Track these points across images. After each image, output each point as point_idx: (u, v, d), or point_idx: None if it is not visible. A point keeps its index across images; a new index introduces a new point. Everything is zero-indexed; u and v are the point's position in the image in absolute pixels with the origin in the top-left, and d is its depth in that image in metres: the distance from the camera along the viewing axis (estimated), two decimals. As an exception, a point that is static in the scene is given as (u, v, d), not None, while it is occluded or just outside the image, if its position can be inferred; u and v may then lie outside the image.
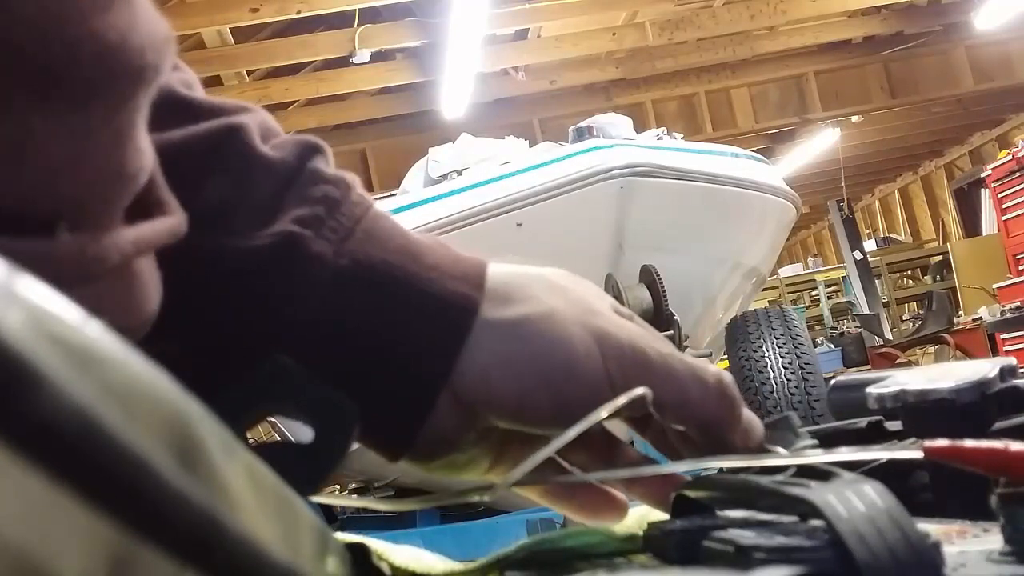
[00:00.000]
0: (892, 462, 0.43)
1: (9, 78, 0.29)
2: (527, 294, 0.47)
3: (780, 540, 0.31)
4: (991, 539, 0.35)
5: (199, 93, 0.49)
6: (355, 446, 0.43)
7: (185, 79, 0.49)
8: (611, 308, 0.48)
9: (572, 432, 0.43)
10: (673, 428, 0.48)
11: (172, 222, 0.38)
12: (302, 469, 0.40)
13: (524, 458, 0.48)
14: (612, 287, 3.09)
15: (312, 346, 0.44)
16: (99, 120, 0.32)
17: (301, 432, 0.43)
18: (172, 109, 0.46)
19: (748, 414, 0.47)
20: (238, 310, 0.44)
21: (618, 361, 0.45)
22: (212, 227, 0.43)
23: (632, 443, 0.53)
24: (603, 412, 0.43)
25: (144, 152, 0.36)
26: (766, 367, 3.81)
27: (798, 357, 3.84)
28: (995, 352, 7.18)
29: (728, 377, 0.47)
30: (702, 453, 0.47)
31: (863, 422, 0.51)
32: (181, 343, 0.42)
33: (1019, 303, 6.61)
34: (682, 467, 0.45)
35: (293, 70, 7.42)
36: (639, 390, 0.44)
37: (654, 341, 0.47)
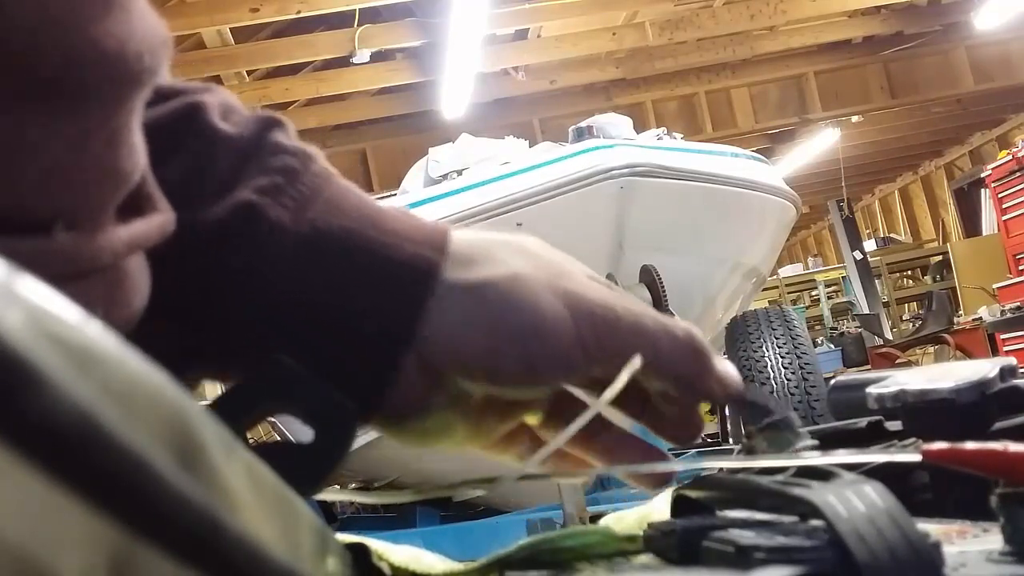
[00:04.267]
0: (892, 462, 0.43)
1: (7, 82, 0.29)
2: (493, 257, 0.47)
3: (780, 540, 0.31)
4: (991, 539, 0.35)
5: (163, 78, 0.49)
6: (355, 446, 0.43)
7: None
8: (583, 273, 0.49)
9: (574, 427, 0.43)
10: (655, 392, 0.48)
11: (162, 219, 0.39)
12: (302, 469, 0.40)
13: (501, 429, 0.50)
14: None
15: (276, 314, 0.45)
16: (96, 123, 0.32)
17: (301, 432, 0.43)
18: None
19: (723, 363, 0.48)
20: (202, 283, 0.44)
21: (588, 320, 0.46)
22: (175, 204, 0.42)
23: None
24: (608, 395, 0.44)
25: (138, 151, 0.36)
26: (766, 367, 3.81)
27: (798, 357, 3.84)
28: (995, 352, 7.18)
29: (696, 330, 0.48)
30: (686, 416, 0.49)
31: (863, 422, 0.51)
32: (153, 319, 0.42)
33: (1019, 303, 6.61)
34: (679, 466, 0.45)
35: (293, 70, 7.42)
36: (635, 361, 0.44)
37: (624, 300, 0.48)
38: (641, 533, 0.41)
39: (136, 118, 0.35)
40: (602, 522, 0.45)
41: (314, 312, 0.45)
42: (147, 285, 0.39)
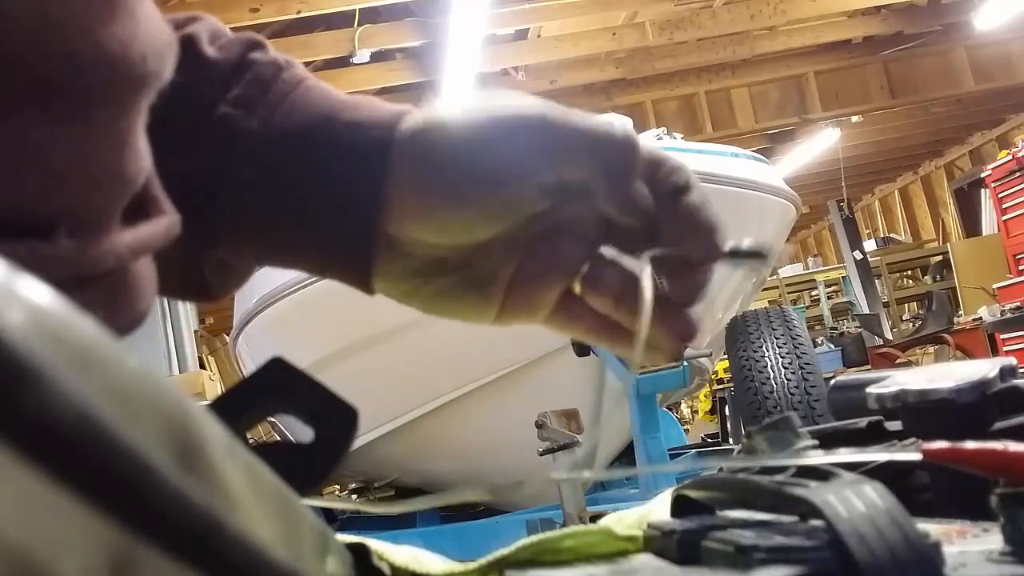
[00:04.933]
0: (892, 462, 0.43)
1: (10, 87, 0.29)
2: (442, 119, 0.50)
3: (780, 540, 0.31)
4: (991, 539, 0.35)
5: None
6: (355, 446, 0.43)
7: None
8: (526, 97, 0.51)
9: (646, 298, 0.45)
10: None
11: (167, 222, 0.39)
12: (302, 469, 0.40)
13: (539, 298, 0.52)
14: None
15: (261, 210, 0.50)
16: (100, 127, 0.32)
17: (301, 432, 0.43)
18: None
19: (674, 161, 0.53)
20: (188, 196, 0.46)
21: (525, 135, 0.48)
22: (176, 124, 0.47)
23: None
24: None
25: (142, 154, 0.36)
26: (766, 367, 3.81)
27: (798, 357, 3.84)
28: (995, 352, 7.18)
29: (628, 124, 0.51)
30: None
31: (863, 422, 0.51)
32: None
33: (1019, 303, 6.62)
34: (679, 467, 0.45)
35: (293, 70, 7.41)
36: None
37: (556, 107, 0.49)
38: (641, 533, 0.41)
39: (140, 121, 0.35)
40: (602, 522, 0.45)
41: (293, 204, 0.50)
42: (153, 289, 0.39)
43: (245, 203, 0.50)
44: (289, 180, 0.50)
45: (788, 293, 11.06)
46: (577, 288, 0.52)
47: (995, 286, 7.70)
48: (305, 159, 0.50)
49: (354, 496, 4.49)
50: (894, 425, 0.49)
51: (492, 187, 0.48)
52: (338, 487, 4.88)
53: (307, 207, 0.50)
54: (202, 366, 6.37)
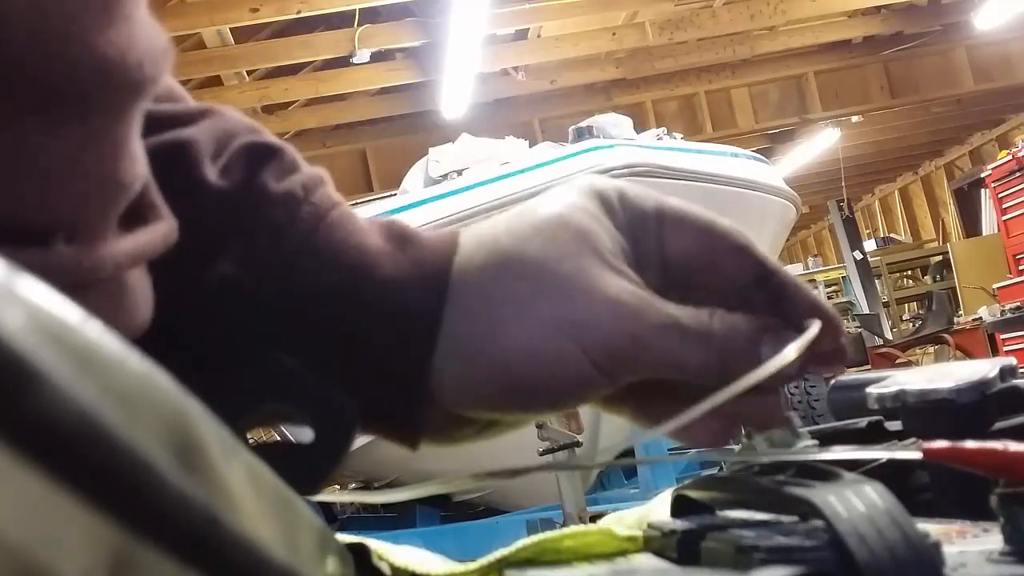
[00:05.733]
0: (892, 462, 0.43)
1: (7, 92, 0.29)
2: (479, 300, 0.44)
3: (780, 540, 0.31)
4: (991, 539, 0.35)
5: (154, 104, 0.46)
6: (355, 446, 0.43)
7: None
8: (600, 263, 0.43)
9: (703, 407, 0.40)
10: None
11: (164, 229, 0.38)
12: (302, 469, 0.40)
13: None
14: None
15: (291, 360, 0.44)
16: (96, 133, 0.32)
17: (301, 432, 0.43)
18: None
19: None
20: (214, 337, 0.43)
21: (604, 351, 0.42)
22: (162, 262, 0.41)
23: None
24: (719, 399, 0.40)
25: (138, 161, 0.36)
26: (766, 367, 3.80)
27: (798, 357, 3.83)
28: (995, 352, 7.18)
29: (729, 331, 0.43)
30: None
31: (863, 422, 0.51)
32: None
33: (1019, 303, 6.61)
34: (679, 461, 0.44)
35: (293, 70, 7.42)
36: (812, 330, 0.42)
37: (645, 310, 0.42)
38: (641, 533, 0.41)
39: (136, 127, 0.35)
40: (602, 522, 0.45)
41: (333, 363, 0.44)
42: (150, 299, 0.38)
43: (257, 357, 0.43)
44: (316, 356, 0.44)
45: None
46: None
47: (995, 286, 7.69)
48: (332, 330, 0.44)
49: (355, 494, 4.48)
50: (894, 425, 0.50)
51: (551, 395, 0.43)
52: (338, 487, 4.88)
53: (345, 383, 0.44)
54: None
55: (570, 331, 0.42)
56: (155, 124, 0.46)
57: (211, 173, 0.45)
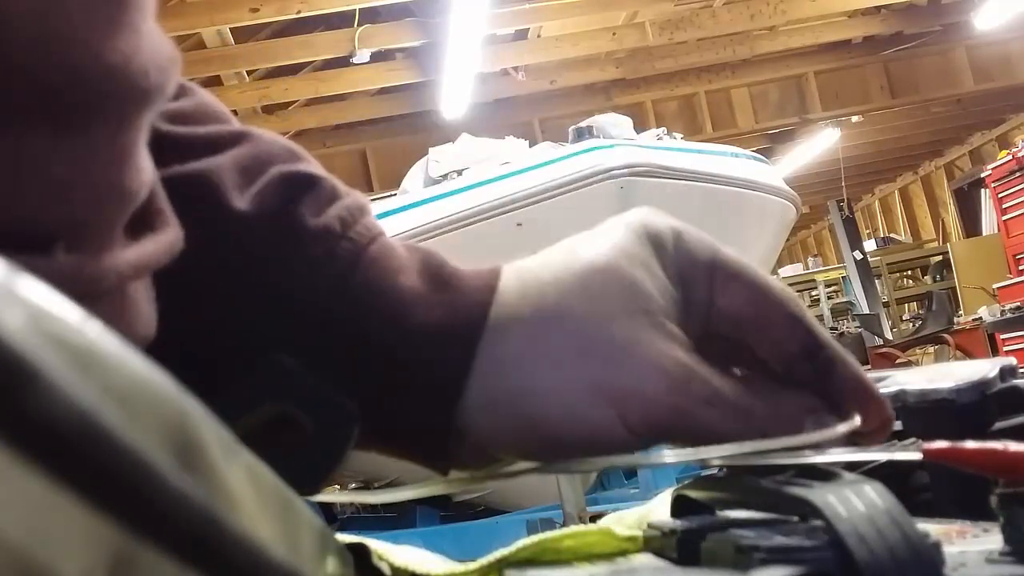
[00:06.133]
0: (892, 462, 0.43)
1: (10, 98, 0.29)
2: (521, 356, 0.43)
3: (780, 540, 0.31)
4: (991, 539, 0.35)
5: (184, 126, 0.46)
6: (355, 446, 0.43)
7: (175, 110, 0.47)
8: (648, 325, 0.42)
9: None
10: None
11: (169, 238, 0.38)
12: (302, 469, 0.40)
13: None
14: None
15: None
16: (100, 142, 0.32)
17: (301, 432, 0.42)
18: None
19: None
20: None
21: (644, 421, 0.41)
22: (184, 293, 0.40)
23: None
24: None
25: (144, 170, 0.35)
26: (766, 367, 3.81)
27: (798, 357, 3.83)
28: (995, 352, 7.18)
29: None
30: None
31: (863, 422, 0.51)
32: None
33: (1019, 303, 6.61)
34: (674, 458, 0.44)
35: (293, 70, 7.42)
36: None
37: (690, 383, 0.41)
38: (641, 533, 0.41)
39: (143, 136, 0.35)
40: (602, 522, 0.45)
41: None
42: (153, 313, 0.38)
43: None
44: (348, 394, 0.43)
45: (788, 292, 11.03)
46: None
47: (995, 286, 7.69)
48: (359, 369, 0.44)
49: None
50: (894, 425, 0.50)
51: (583, 451, 0.42)
52: (338, 487, 4.87)
53: (373, 424, 0.44)
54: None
55: (611, 398, 0.41)
56: (187, 149, 0.45)
57: (240, 202, 0.44)
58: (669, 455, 0.42)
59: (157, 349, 0.38)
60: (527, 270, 0.45)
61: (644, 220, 0.45)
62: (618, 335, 0.42)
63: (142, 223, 0.36)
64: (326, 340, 0.44)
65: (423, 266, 0.45)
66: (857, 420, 0.42)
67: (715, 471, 0.44)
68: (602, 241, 0.44)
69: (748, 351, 0.44)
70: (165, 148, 0.44)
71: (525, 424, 0.42)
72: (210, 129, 0.47)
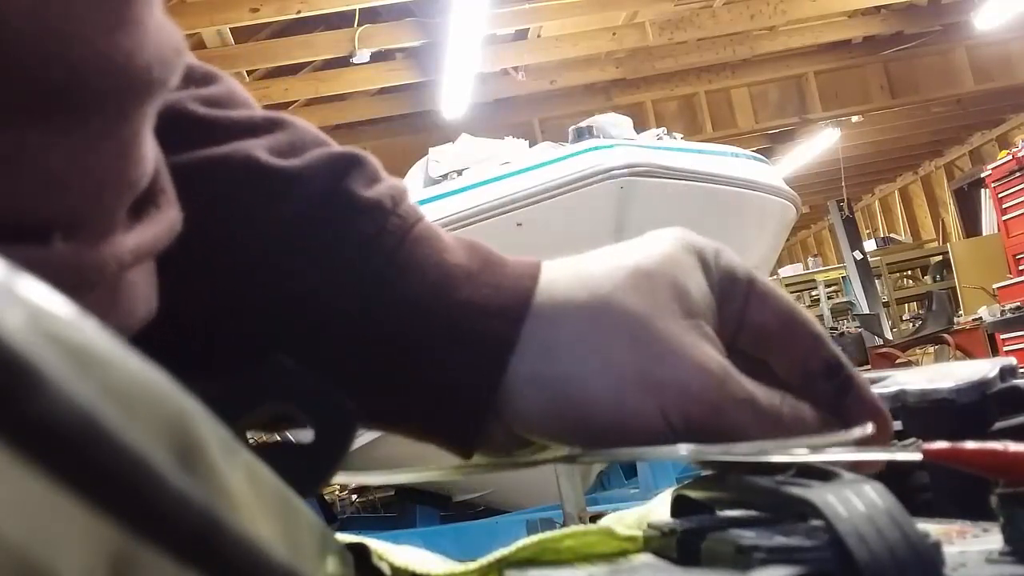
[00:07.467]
0: (892, 462, 0.43)
1: (8, 93, 0.29)
2: (571, 339, 0.44)
3: (780, 540, 0.31)
4: (991, 539, 0.35)
5: (220, 109, 0.48)
6: (355, 446, 0.43)
7: (207, 95, 0.48)
8: (692, 326, 0.44)
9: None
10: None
11: (170, 220, 0.38)
12: (302, 469, 0.40)
13: None
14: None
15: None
16: (101, 134, 0.32)
17: (301, 432, 0.42)
18: (181, 129, 0.45)
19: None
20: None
21: (682, 415, 0.42)
22: (228, 267, 0.43)
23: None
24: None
25: (147, 160, 0.35)
26: (766, 367, 3.81)
27: (798, 357, 3.83)
28: (995, 352, 7.18)
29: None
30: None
31: (863, 422, 0.51)
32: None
33: (1019, 303, 6.61)
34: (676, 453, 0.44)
35: (293, 70, 7.42)
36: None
37: (728, 382, 0.43)
38: (641, 533, 0.41)
39: (147, 128, 0.35)
40: (602, 522, 0.45)
41: (391, 388, 0.45)
42: (152, 296, 0.38)
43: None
44: (387, 365, 0.45)
45: (788, 293, 11.04)
46: None
47: (995, 286, 7.69)
48: (402, 342, 0.45)
49: (354, 496, 4.49)
50: (894, 425, 0.50)
51: (617, 439, 0.43)
52: (338, 487, 4.88)
53: (406, 397, 0.45)
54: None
55: (654, 390, 0.43)
56: (224, 131, 0.47)
57: (291, 172, 0.46)
58: (700, 449, 0.41)
59: (178, 327, 0.39)
60: (574, 263, 0.47)
61: (686, 235, 0.47)
62: (667, 332, 0.43)
63: (145, 201, 0.36)
64: (372, 313, 0.44)
65: (468, 248, 0.47)
66: (869, 427, 0.43)
67: (715, 471, 0.44)
68: (650, 247, 0.46)
69: (766, 369, 0.46)
70: (203, 130, 0.46)
71: (566, 405, 0.43)
72: (242, 113, 0.48)
